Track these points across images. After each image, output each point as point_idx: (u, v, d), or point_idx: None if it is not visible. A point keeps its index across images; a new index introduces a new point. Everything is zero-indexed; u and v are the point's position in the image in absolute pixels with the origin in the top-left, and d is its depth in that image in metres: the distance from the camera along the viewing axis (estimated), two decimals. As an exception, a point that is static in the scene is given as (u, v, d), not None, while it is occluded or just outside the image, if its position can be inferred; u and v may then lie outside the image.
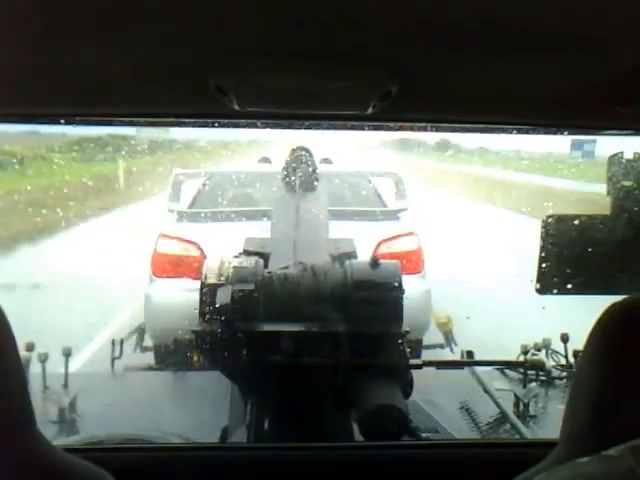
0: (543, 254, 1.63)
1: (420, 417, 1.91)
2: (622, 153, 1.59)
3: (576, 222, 1.64)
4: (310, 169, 2.53)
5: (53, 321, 3.99)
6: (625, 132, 1.32)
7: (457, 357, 2.63)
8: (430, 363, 2.19)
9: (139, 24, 0.80)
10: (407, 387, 1.65)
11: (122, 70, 0.96)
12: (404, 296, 1.72)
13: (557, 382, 2.28)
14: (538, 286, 1.64)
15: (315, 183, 2.52)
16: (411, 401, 1.74)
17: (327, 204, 2.51)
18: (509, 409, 2.04)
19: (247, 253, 1.93)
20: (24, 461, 0.80)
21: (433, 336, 3.56)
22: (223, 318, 1.66)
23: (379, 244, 3.83)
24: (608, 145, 1.62)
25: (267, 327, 1.69)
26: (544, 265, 1.63)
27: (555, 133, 1.38)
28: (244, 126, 1.29)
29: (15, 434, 0.80)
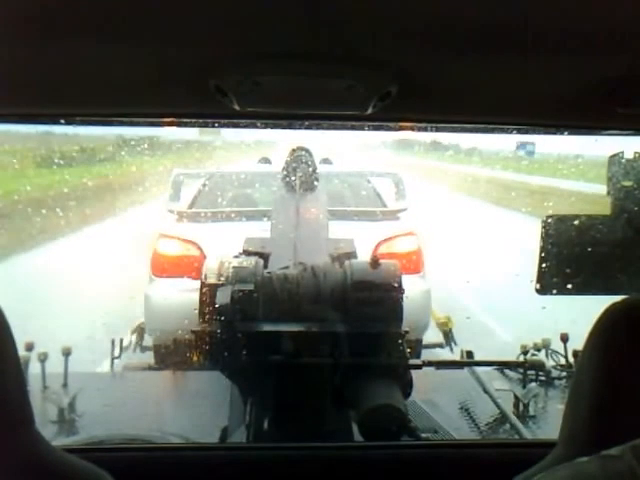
0: (543, 254, 1.63)
1: (420, 417, 1.91)
2: (622, 153, 1.59)
3: (576, 222, 1.64)
4: (310, 169, 2.53)
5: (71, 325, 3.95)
6: (625, 132, 1.32)
7: (457, 357, 2.63)
8: (430, 363, 2.19)
9: (139, 24, 0.80)
10: (406, 387, 1.65)
11: (122, 70, 0.96)
12: (404, 296, 1.72)
13: (557, 382, 2.28)
14: (538, 286, 1.64)
15: (315, 183, 2.53)
16: (411, 401, 1.74)
17: (327, 204, 2.51)
18: (509, 409, 2.04)
19: (247, 253, 1.93)
20: (23, 461, 0.80)
21: (433, 336, 3.56)
22: (223, 318, 1.66)
23: (379, 244, 3.83)
24: (609, 145, 1.62)
25: (267, 327, 1.69)
26: (544, 265, 1.63)
27: (555, 133, 1.38)
28: (244, 126, 1.29)
29: (14, 434, 0.79)
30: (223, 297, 1.68)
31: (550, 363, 2.36)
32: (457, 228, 6.34)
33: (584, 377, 0.84)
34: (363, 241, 2.37)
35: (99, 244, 5.45)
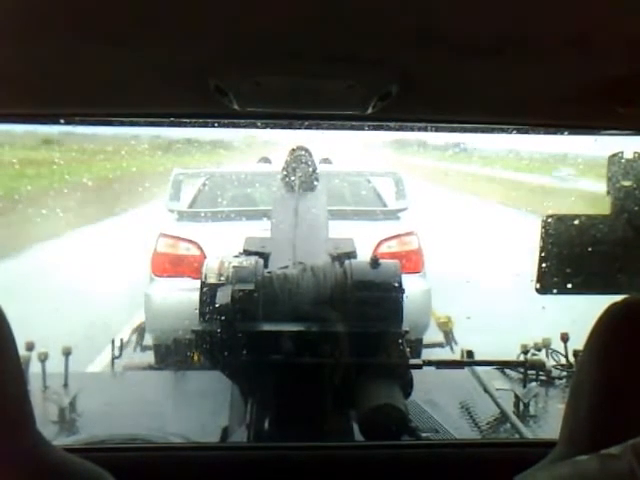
0: (543, 254, 1.63)
1: (420, 417, 1.91)
2: (622, 153, 1.59)
3: (576, 222, 1.64)
4: (310, 169, 2.53)
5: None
6: (625, 132, 1.33)
7: (457, 357, 2.63)
8: (430, 363, 2.19)
9: (139, 24, 0.80)
10: (407, 387, 1.65)
11: (122, 70, 0.96)
12: (404, 296, 1.72)
13: (557, 382, 2.28)
14: (538, 286, 1.64)
15: (315, 183, 2.52)
16: (411, 401, 1.74)
17: (327, 204, 2.51)
18: (509, 409, 2.04)
19: (247, 253, 1.93)
20: (24, 461, 0.80)
21: (433, 335, 3.56)
22: (223, 318, 1.66)
23: (379, 244, 3.84)
24: (609, 145, 1.62)
25: (267, 327, 1.69)
26: (544, 265, 1.63)
27: (555, 133, 1.38)
28: (244, 126, 1.29)
29: (14, 434, 0.80)
30: (223, 297, 1.68)
31: (550, 363, 2.36)
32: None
33: (584, 377, 0.84)
34: (363, 241, 2.37)
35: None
